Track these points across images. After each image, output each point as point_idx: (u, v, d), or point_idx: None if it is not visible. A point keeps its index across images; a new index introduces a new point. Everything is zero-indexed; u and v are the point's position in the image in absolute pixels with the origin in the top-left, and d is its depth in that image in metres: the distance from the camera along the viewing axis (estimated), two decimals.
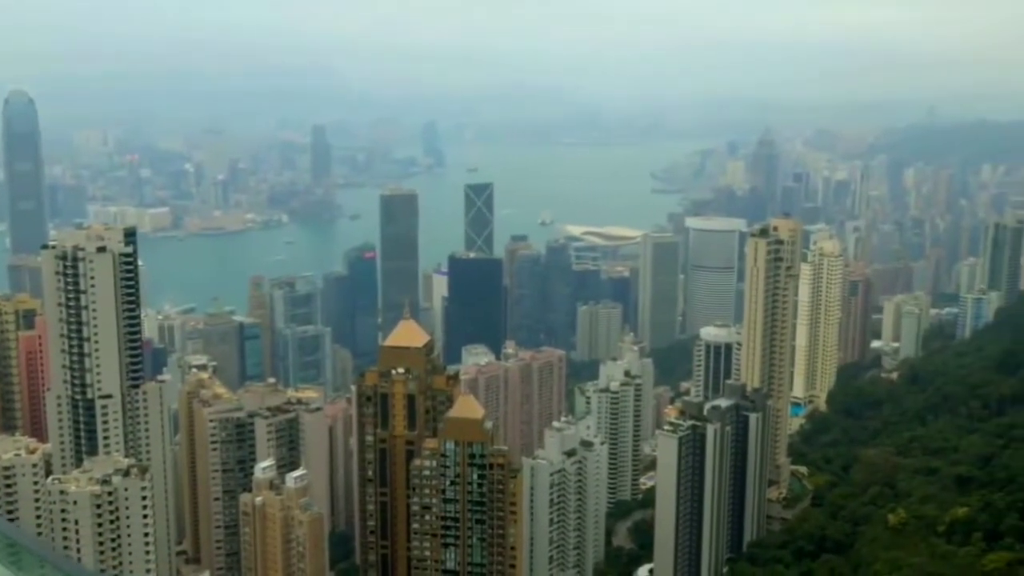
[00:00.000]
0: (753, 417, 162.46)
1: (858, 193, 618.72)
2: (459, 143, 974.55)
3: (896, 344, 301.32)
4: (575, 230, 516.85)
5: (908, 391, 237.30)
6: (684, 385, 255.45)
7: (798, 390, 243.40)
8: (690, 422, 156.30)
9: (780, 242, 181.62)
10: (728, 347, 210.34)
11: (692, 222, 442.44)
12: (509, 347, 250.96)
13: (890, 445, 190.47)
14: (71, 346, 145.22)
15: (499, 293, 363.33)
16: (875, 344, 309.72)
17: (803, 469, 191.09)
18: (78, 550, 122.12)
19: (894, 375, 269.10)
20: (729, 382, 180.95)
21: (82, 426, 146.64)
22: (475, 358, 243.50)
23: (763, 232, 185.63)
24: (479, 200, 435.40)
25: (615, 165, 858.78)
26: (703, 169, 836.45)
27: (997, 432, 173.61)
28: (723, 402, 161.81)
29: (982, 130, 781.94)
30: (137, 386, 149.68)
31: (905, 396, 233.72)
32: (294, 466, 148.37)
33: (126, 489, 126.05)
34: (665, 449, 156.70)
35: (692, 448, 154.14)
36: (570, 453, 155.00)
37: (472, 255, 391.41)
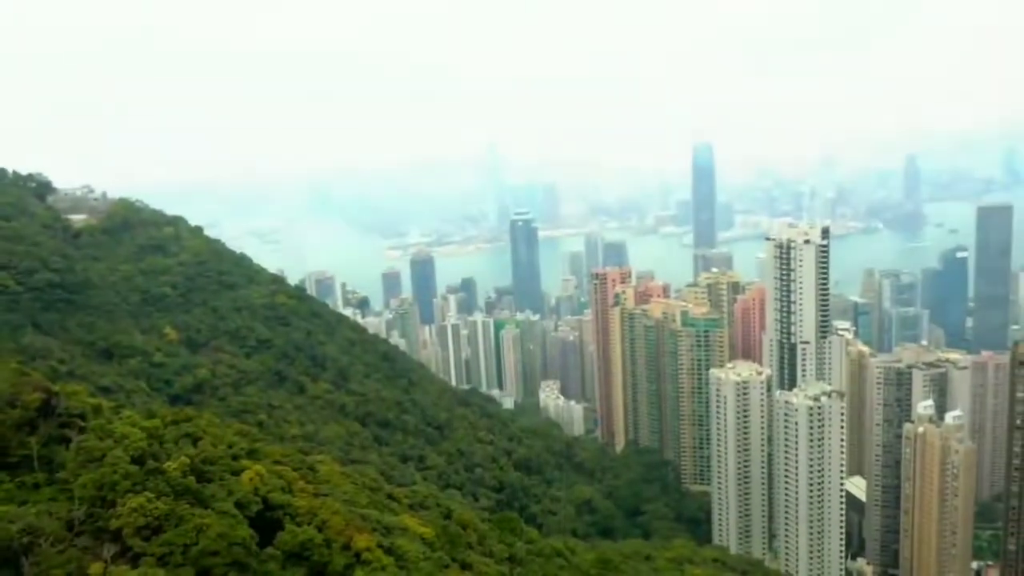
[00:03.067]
0: None
1: None
2: None
3: None
4: None
5: None
6: None
7: None
8: None
9: None
10: None
11: None
12: None
13: None
14: (781, 306, 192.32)
15: None
16: None
17: None
18: (796, 452, 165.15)
19: None
20: None
21: (785, 363, 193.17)
22: None
23: None
24: None
25: None
26: None
27: None
28: None
29: None
30: (825, 337, 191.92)
31: None
32: (943, 410, 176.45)
33: (830, 407, 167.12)
34: None
35: None
36: None
37: None
